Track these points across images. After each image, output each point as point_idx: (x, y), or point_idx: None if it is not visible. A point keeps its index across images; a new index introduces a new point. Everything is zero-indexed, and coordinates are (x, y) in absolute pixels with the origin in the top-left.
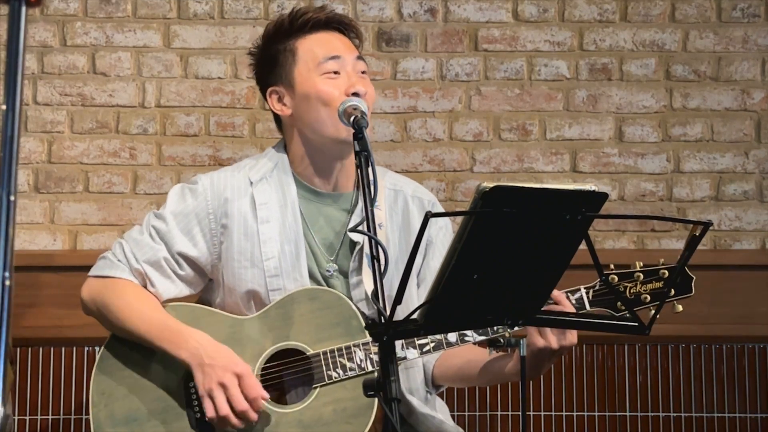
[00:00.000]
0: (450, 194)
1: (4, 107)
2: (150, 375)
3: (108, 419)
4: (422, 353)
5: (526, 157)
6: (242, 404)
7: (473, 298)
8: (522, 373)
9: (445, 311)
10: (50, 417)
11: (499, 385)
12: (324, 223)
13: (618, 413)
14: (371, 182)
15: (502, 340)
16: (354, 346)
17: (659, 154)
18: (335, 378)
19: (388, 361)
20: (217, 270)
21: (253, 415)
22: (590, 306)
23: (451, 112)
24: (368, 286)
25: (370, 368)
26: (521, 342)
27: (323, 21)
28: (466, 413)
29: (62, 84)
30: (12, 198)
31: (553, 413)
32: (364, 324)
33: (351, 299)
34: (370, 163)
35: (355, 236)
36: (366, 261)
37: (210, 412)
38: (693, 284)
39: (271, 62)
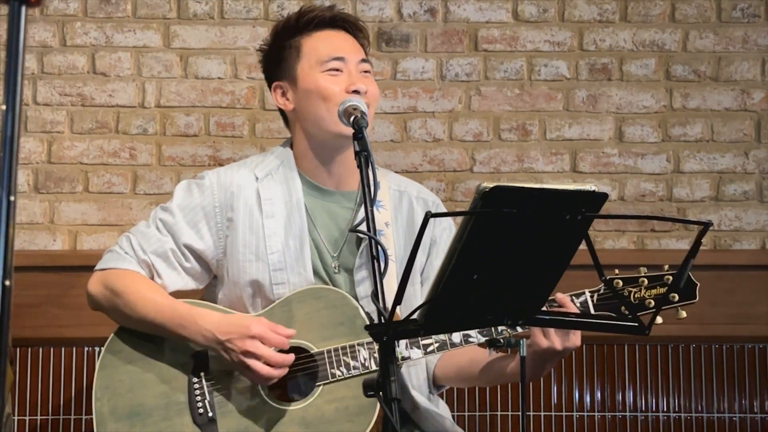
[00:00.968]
0: (450, 194)
1: (4, 107)
2: (153, 370)
3: (110, 414)
4: (426, 353)
5: (526, 157)
6: (275, 357)
7: (473, 298)
8: (522, 373)
9: (445, 311)
10: (50, 417)
11: (499, 385)
12: (328, 219)
13: (618, 413)
14: (371, 182)
15: (502, 341)
16: (358, 344)
17: (659, 154)
18: (339, 376)
19: (388, 361)
20: (221, 266)
21: (290, 358)
22: (595, 310)
23: (451, 112)
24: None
25: (374, 367)
26: (521, 342)
27: (328, 19)
28: (466, 413)
29: (62, 84)
30: (12, 198)
31: (553, 413)
32: (368, 322)
33: (356, 296)
34: (369, 163)
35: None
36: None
37: (251, 379)
38: (697, 291)
39: (276, 58)
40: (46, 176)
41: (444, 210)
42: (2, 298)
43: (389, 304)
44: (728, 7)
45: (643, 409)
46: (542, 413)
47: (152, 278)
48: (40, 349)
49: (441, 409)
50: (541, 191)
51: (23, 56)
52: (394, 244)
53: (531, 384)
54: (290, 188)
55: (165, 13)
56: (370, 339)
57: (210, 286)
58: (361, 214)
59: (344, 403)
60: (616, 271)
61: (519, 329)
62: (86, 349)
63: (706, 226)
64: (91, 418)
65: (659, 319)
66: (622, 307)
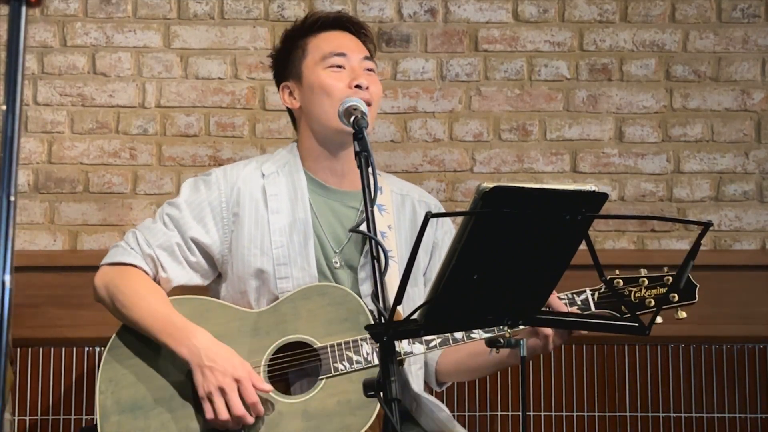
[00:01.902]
0: (450, 194)
1: (4, 107)
2: (158, 364)
3: (114, 406)
4: (428, 348)
5: (526, 157)
6: (240, 410)
7: (473, 298)
8: (522, 374)
9: (445, 311)
10: (50, 417)
11: (499, 385)
12: (332, 217)
13: (618, 413)
14: (371, 182)
15: (502, 341)
16: (361, 339)
17: (659, 154)
18: (341, 370)
19: (389, 361)
20: (226, 261)
21: (250, 419)
22: (595, 308)
23: (451, 112)
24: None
25: (376, 361)
26: (521, 342)
27: (332, 20)
28: (466, 413)
29: (62, 84)
30: (12, 198)
31: (553, 413)
32: (371, 319)
33: (359, 293)
34: (370, 164)
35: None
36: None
37: (209, 415)
38: (697, 292)
39: (284, 60)
40: (46, 176)
41: None
42: (3, 297)
43: (392, 305)
44: (728, 7)
45: (643, 409)
46: (542, 413)
47: (157, 272)
48: (40, 349)
49: (441, 408)
50: (541, 191)
51: (23, 56)
52: (397, 247)
53: (531, 384)
54: (295, 185)
55: (165, 14)
56: None
57: (213, 283)
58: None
59: (346, 396)
60: (617, 271)
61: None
62: (86, 349)
63: (706, 226)
64: (92, 418)
65: (659, 319)
66: (623, 306)
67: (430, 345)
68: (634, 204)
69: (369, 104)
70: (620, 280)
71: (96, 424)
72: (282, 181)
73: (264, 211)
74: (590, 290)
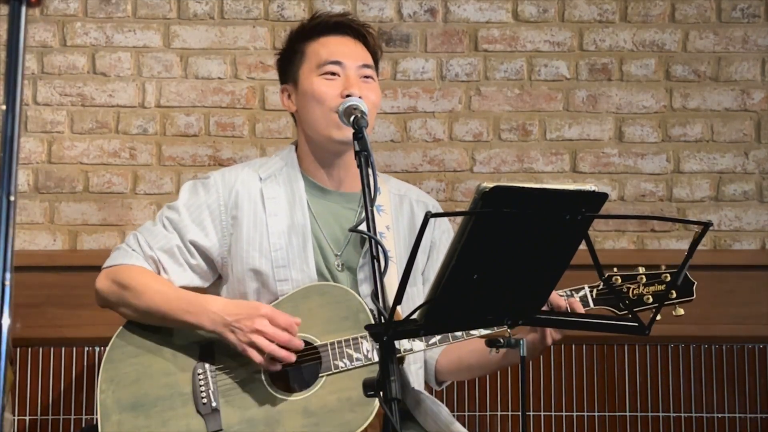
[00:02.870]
0: (450, 194)
1: (4, 107)
2: (158, 362)
3: (115, 405)
4: (428, 345)
5: (526, 157)
6: (283, 336)
7: (473, 298)
8: (522, 374)
9: (445, 311)
10: (50, 417)
11: (499, 385)
12: (331, 219)
13: (618, 413)
14: (371, 182)
15: (502, 341)
16: (361, 337)
17: (659, 154)
18: (342, 368)
19: (388, 361)
20: (226, 264)
21: (298, 342)
22: (594, 304)
23: (451, 112)
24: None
25: (376, 359)
26: (521, 342)
27: (332, 25)
28: (466, 413)
29: (62, 84)
30: (12, 198)
31: (553, 413)
32: (371, 317)
33: (358, 294)
34: (369, 163)
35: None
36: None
37: (257, 358)
38: (695, 288)
39: (286, 62)
40: (46, 176)
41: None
42: (3, 297)
43: (391, 304)
44: (728, 7)
45: (643, 409)
46: (542, 413)
47: (158, 273)
48: (40, 349)
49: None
50: (541, 191)
51: (23, 56)
52: (395, 247)
53: (531, 384)
54: (293, 188)
55: (165, 13)
56: None
57: (213, 285)
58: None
59: (346, 393)
60: (615, 268)
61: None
62: (86, 349)
63: (706, 226)
64: (92, 418)
65: (657, 316)
66: (621, 304)
67: (430, 342)
68: (634, 204)
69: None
70: (618, 278)
71: (96, 424)
72: (280, 184)
73: (262, 214)
74: (588, 287)
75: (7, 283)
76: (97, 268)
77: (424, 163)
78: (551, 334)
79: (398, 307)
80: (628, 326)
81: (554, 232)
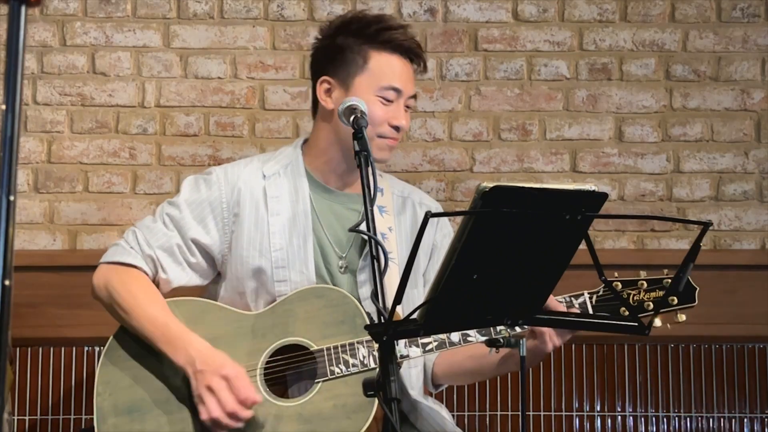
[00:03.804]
0: (450, 194)
1: (3, 107)
2: (155, 366)
3: (111, 408)
4: (425, 352)
5: (526, 157)
6: (230, 405)
7: (473, 298)
8: (522, 374)
9: (444, 311)
10: (50, 417)
11: (499, 385)
12: (335, 220)
13: (618, 413)
14: (371, 182)
15: (502, 341)
16: (357, 342)
17: (659, 154)
18: (338, 374)
19: (388, 361)
20: (226, 261)
21: (245, 414)
22: (593, 311)
23: (451, 112)
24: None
25: (373, 365)
26: (521, 342)
27: (405, 48)
28: (466, 413)
29: (62, 84)
30: (12, 198)
31: (553, 413)
32: (368, 322)
33: (358, 297)
34: (369, 163)
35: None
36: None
37: (203, 415)
38: (697, 294)
39: (335, 54)
40: (46, 176)
41: (445, 219)
42: (2, 297)
43: (390, 305)
44: (728, 7)
45: (643, 409)
46: (542, 413)
47: (157, 273)
48: (40, 349)
49: (441, 409)
50: (541, 191)
51: (23, 56)
52: (397, 249)
53: (531, 384)
54: (297, 187)
55: (165, 13)
56: (369, 337)
57: (212, 283)
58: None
59: (342, 400)
60: (616, 274)
61: (519, 329)
62: (86, 348)
63: (706, 226)
64: (91, 418)
65: (658, 322)
66: (622, 309)
67: (427, 348)
68: (633, 204)
69: (395, 140)
70: (619, 283)
71: (93, 426)
72: (283, 183)
73: (264, 213)
74: (588, 293)
75: (7, 283)
76: (96, 268)
77: (423, 163)
78: (552, 340)
79: (399, 310)
80: (628, 326)
81: (554, 232)
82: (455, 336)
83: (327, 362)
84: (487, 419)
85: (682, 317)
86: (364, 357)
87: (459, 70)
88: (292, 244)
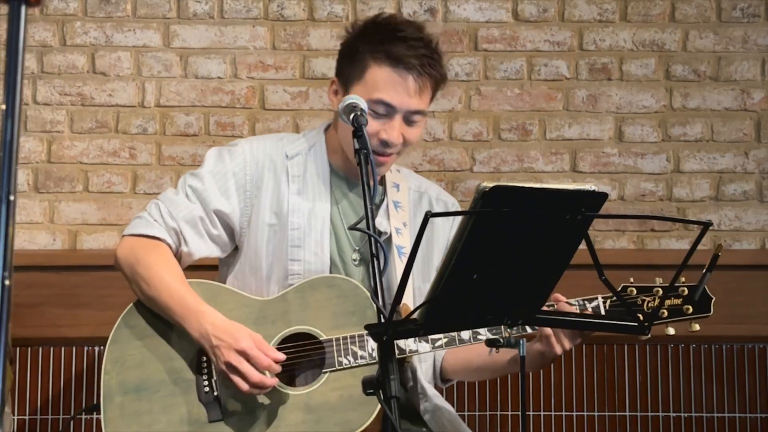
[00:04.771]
0: (450, 194)
1: (3, 107)
2: (164, 347)
3: (118, 387)
4: (434, 348)
5: (526, 157)
6: (255, 377)
7: (473, 297)
8: (522, 373)
9: (445, 311)
10: (50, 417)
11: (499, 385)
12: (351, 211)
13: (618, 413)
14: (371, 180)
15: (502, 340)
16: (367, 335)
17: (659, 154)
18: (345, 365)
19: (388, 360)
20: (244, 234)
21: (271, 382)
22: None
23: (450, 111)
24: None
25: None
26: (521, 342)
27: (408, 62)
28: (466, 413)
29: (62, 84)
30: (12, 198)
31: (552, 413)
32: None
33: (370, 290)
34: (369, 161)
35: (382, 227)
36: (395, 253)
37: (241, 388)
38: (713, 304)
39: (346, 57)
40: (46, 176)
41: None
42: (2, 297)
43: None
44: (728, 7)
45: (643, 409)
46: (542, 413)
47: (179, 245)
48: (40, 349)
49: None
50: (541, 191)
51: (23, 56)
52: (411, 244)
53: (531, 384)
54: (318, 172)
55: (165, 13)
56: None
57: (231, 256)
58: (382, 210)
59: (349, 391)
60: (631, 279)
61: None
62: (86, 348)
63: (706, 226)
64: (91, 418)
65: (671, 330)
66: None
67: (436, 344)
68: (633, 204)
69: (394, 153)
70: (634, 289)
71: (99, 404)
72: (305, 165)
73: (285, 191)
74: (602, 297)
75: (8, 282)
76: (97, 268)
77: (424, 163)
78: (561, 343)
79: (409, 303)
80: (628, 326)
81: (554, 231)
82: (465, 333)
83: (335, 353)
84: (487, 419)
85: (696, 327)
86: (372, 350)
87: (459, 70)
88: (310, 225)
